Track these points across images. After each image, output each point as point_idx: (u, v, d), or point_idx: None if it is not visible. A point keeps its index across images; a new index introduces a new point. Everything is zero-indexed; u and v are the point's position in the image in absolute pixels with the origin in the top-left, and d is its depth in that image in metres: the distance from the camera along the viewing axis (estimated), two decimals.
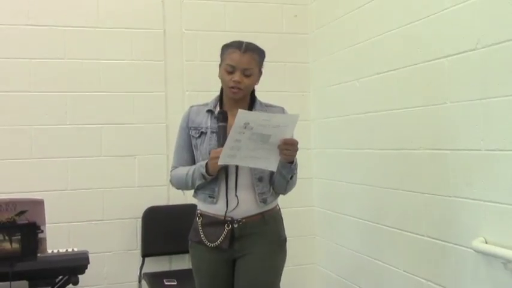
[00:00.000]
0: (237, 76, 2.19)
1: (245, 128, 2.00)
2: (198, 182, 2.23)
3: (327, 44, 3.54)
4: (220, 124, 2.19)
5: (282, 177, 2.23)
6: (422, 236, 2.52)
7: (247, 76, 2.21)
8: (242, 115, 1.99)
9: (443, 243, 2.38)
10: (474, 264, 2.18)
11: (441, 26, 2.36)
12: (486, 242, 2.10)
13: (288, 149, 2.09)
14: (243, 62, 2.19)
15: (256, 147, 2.06)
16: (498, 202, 2.05)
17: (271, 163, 2.13)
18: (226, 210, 2.20)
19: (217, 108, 2.30)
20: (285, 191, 2.32)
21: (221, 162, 2.08)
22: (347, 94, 3.26)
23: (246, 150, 2.06)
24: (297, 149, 2.13)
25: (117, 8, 3.43)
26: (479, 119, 2.14)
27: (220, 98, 2.33)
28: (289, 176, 2.23)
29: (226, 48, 2.26)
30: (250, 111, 2.15)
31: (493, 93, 2.06)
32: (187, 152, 2.33)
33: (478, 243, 2.11)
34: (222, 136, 2.16)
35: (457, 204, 2.28)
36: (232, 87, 2.20)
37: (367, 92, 3.02)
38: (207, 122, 2.28)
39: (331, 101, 3.50)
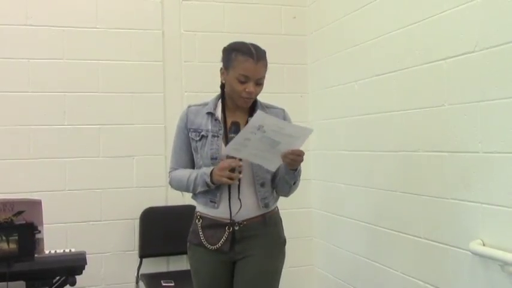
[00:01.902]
0: (251, 87, 2.15)
1: (258, 129, 1.97)
2: (200, 189, 2.20)
3: (325, 46, 3.54)
4: (233, 136, 2.11)
5: (285, 182, 2.23)
6: (420, 238, 2.52)
7: (258, 85, 2.19)
8: (259, 116, 1.97)
9: (441, 245, 2.38)
10: (471, 266, 2.18)
11: (440, 29, 2.37)
12: (483, 244, 2.10)
13: (294, 159, 2.08)
14: (257, 72, 2.15)
15: (263, 149, 2.05)
16: (496, 204, 2.05)
17: (272, 165, 2.14)
18: (231, 214, 2.18)
19: (218, 110, 2.27)
20: (287, 194, 2.32)
21: (226, 152, 2.08)
22: (345, 96, 3.26)
23: (252, 149, 2.05)
24: (302, 160, 2.11)
25: (115, 8, 3.43)
26: (477, 121, 2.14)
27: (222, 101, 2.29)
28: (292, 182, 2.23)
29: (234, 54, 2.17)
30: (268, 115, 2.08)
31: (491, 95, 2.06)
32: (186, 153, 2.30)
33: (476, 246, 2.11)
34: None
35: (454, 206, 2.28)
36: (244, 97, 2.17)
37: (366, 94, 3.03)
38: (208, 125, 2.24)
39: (330, 102, 3.50)
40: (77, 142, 3.33)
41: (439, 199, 2.38)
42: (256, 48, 2.19)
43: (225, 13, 3.63)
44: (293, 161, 2.09)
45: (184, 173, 2.27)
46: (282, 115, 2.32)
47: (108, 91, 3.40)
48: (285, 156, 2.07)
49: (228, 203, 2.19)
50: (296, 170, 2.17)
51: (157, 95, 3.50)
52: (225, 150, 2.15)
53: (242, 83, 2.15)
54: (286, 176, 2.20)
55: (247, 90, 2.15)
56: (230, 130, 2.17)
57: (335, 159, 3.44)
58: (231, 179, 2.09)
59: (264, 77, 2.20)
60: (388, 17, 2.77)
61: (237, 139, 2.03)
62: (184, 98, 3.51)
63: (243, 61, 2.13)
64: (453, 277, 2.30)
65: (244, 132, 2.01)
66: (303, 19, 3.79)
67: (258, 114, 1.98)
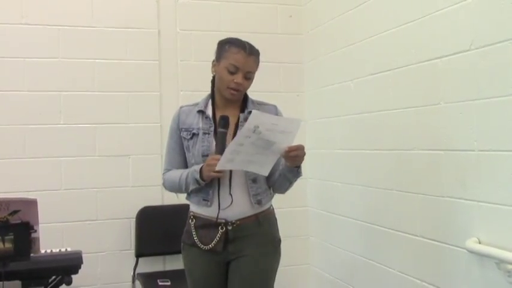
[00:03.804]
0: (239, 78, 2.16)
1: (254, 131, 1.95)
2: (191, 187, 2.20)
3: (321, 45, 3.54)
4: (222, 130, 2.13)
5: (286, 180, 2.23)
6: (417, 236, 2.53)
7: (247, 79, 2.19)
8: (255, 116, 1.95)
9: (437, 243, 2.39)
10: (468, 264, 2.19)
11: (435, 27, 2.37)
12: (479, 242, 2.11)
13: (297, 154, 2.07)
14: (248, 64, 2.17)
15: (256, 152, 2.03)
16: (491, 202, 2.06)
17: (264, 168, 2.11)
18: (219, 209, 2.17)
19: (209, 108, 2.27)
20: (285, 191, 2.32)
21: (219, 167, 2.05)
22: (341, 95, 3.27)
23: (245, 154, 2.02)
24: (304, 153, 2.10)
25: (111, 7, 3.42)
26: (473, 119, 2.15)
27: (212, 98, 2.29)
28: (295, 179, 2.23)
29: (228, 45, 2.20)
30: (263, 113, 2.07)
31: (487, 94, 2.07)
32: (179, 154, 2.30)
33: (472, 244, 2.12)
34: (221, 143, 2.12)
35: (450, 204, 2.29)
36: (232, 88, 2.17)
37: (362, 92, 3.03)
38: (199, 123, 2.25)
39: (326, 101, 3.51)
40: (72, 141, 3.32)
41: (435, 197, 2.39)
42: (250, 44, 2.22)
43: (221, 12, 3.63)
44: (297, 157, 2.08)
45: (176, 174, 2.26)
46: (275, 112, 2.32)
47: (104, 90, 3.39)
48: (286, 156, 2.07)
49: (218, 200, 2.17)
50: (299, 166, 2.17)
51: (153, 94, 3.49)
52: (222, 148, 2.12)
53: (231, 73, 2.16)
54: (288, 174, 2.19)
55: (235, 81, 2.16)
56: (219, 125, 2.15)
57: (331, 158, 3.44)
58: (219, 172, 2.08)
59: (253, 72, 2.20)
60: (383, 15, 2.78)
61: (231, 147, 2.01)
62: (180, 97, 3.51)
63: (235, 52, 2.16)
64: (449, 275, 2.31)
65: (238, 137, 1.99)
66: (299, 18, 3.79)
67: (254, 114, 1.96)
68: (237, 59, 2.16)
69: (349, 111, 3.18)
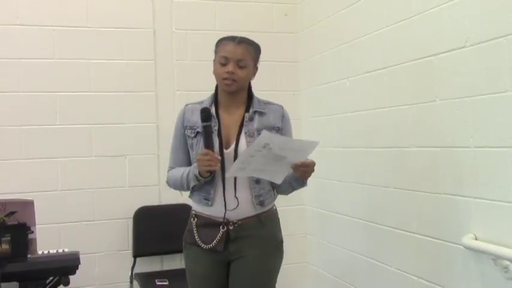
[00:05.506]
0: (230, 67, 2.15)
1: (264, 147, 1.94)
2: (192, 184, 2.20)
3: (317, 43, 3.54)
4: (204, 124, 2.14)
5: (290, 187, 2.25)
6: (413, 233, 2.53)
7: (241, 68, 2.17)
8: (265, 136, 1.93)
9: (434, 240, 2.39)
10: (464, 260, 2.19)
11: (430, 24, 2.38)
12: (476, 239, 2.12)
13: (306, 171, 2.09)
14: (237, 52, 2.17)
15: (267, 163, 2.02)
16: (488, 199, 2.07)
17: (277, 177, 2.11)
18: (225, 211, 2.17)
19: (213, 107, 2.26)
20: (288, 194, 2.34)
21: (230, 175, 2.07)
22: (337, 93, 3.27)
23: (256, 164, 2.01)
24: (313, 170, 2.11)
25: (106, 7, 3.42)
26: (468, 116, 2.15)
27: (216, 97, 2.29)
28: (300, 188, 2.26)
29: (220, 41, 2.23)
30: (274, 134, 2.08)
31: (482, 90, 2.07)
32: (183, 152, 2.30)
33: (468, 240, 2.13)
34: (206, 137, 2.13)
35: (447, 201, 2.29)
36: (226, 79, 2.16)
37: (358, 90, 3.03)
38: None
39: (322, 99, 3.51)
40: (68, 142, 3.31)
41: (431, 194, 2.39)
42: (243, 37, 2.23)
43: (217, 11, 3.62)
44: (305, 173, 2.10)
45: (179, 171, 2.26)
46: (281, 112, 2.31)
47: (99, 90, 3.38)
48: (296, 169, 2.07)
49: (223, 201, 2.17)
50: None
51: (149, 94, 3.49)
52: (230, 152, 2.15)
53: (223, 65, 2.17)
54: (294, 183, 2.21)
55: (226, 70, 2.15)
56: (201, 119, 2.16)
57: (328, 156, 3.43)
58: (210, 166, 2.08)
59: (245, 60, 2.19)
60: (379, 13, 2.78)
61: (241, 158, 2.01)
62: (176, 96, 3.51)
63: (225, 44, 2.20)
64: (446, 271, 2.32)
65: (249, 150, 1.99)
66: (295, 16, 3.79)
67: (264, 133, 1.95)
68: (226, 49, 2.18)
69: (345, 109, 3.18)
